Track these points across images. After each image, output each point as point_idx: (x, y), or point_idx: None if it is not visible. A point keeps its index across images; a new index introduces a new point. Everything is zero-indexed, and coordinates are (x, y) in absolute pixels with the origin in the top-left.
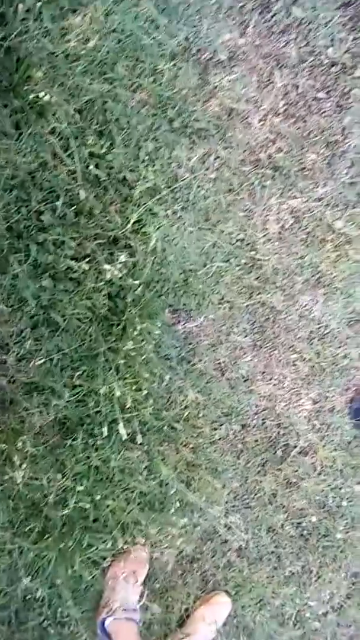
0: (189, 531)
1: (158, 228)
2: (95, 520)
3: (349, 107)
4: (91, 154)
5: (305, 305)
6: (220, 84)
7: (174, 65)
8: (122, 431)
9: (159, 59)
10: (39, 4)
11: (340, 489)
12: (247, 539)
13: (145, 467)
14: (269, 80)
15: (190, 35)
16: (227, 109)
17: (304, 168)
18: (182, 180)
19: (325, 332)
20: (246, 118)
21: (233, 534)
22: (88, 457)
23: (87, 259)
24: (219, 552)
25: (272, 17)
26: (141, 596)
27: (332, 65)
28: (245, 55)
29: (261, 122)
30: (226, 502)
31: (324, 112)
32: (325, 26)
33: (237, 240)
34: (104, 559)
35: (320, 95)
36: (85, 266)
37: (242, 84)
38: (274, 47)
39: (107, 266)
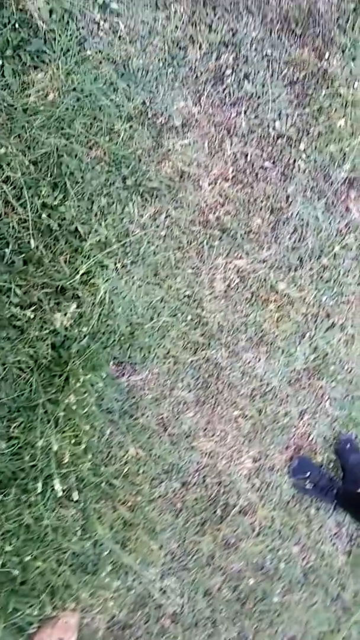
0: (123, 595)
1: (107, 280)
2: (22, 583)
3: (293, 177)
4: (44, 205)
5: (248, 363)
6: (174, 148)
7: (130, 126)
8: (58, 487)
9: (116, 120)
10: (0, 59)
11: (278, 550)
12: (182, 603)
13: (80, 526)
14: (219, 147)
15: (147, 100)
16: (179, 171)
17: (250, 231)
18: (132, 236)
19: (267, 390)
20: (197, 181)
21: (168, 598)
22: (20, 514)
23: (32, 307)
24: (153, 618)
25: (224, 89)
26: None
27: (279, 138)
28: (198, 123)
29: (211, 186)
30: (162, 564)
31: (270, 180)
32: (274, 101)
33: (185, 297)
34: (31, 624)
35: (267, 164)
36: (31, 314)
37: (194, 149)
38: (226, 117)
39: (57, 315)
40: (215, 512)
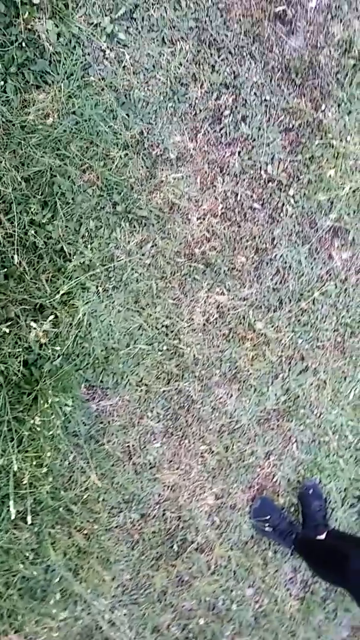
0: (70, 624)
1: (87, 303)
2: None
3: (280, 221)
4: (32, 222)
5: (219, 398)
6: (166, 180)
7: (126, 154)
8: (12, 510)
9: (112, 147)
10: (4, 76)
11: (231, 591)
12: (130, 637)
13: (33, 550)
14: (211, 184)
15: (144, 130)
16: (170, 203)
17: (234, 268)
18: (117, 261)
19: (235, 427)
20: (186, 214)
21: (116, 631)
22: None
23: (9, 323)
24: None
25: (221, 128)
26: None
27: (270, 181)
28: (193, 158)
29: (199, 220)
30: (113, 596)
31: (258, 221)
32: (268, 145)
33: (163, 326)
34: None
35: (256, 205)
36: (6, 329)
37: (186, 183)
38: (220, 155)
39: (33, 332)
40: (172, 547)
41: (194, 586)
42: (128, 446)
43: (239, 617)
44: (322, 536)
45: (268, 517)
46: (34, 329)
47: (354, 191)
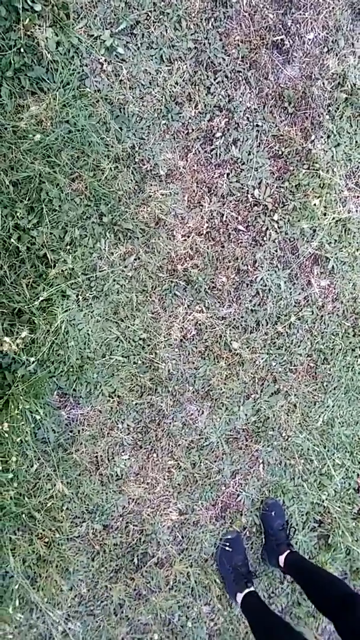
0: (24, 632)
1: (66, 310)
2: None
3: (263, 244)
4: (16, 226)
5: (190, 414)
6: (154, 195)
7: (116, 167)
8: None
9: (103, 158)
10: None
11: (188, 607)
12: None
13: None
14: (198, 203)
15: (136, 145)
16: (156, 218)
17: (214, 287)
18: (99, 271)
19: (204, 444)
20: (171, 230)
21: None
22: None
23: None
24: None
25: (212, 149)
26: None
27: (255, 205)
28: (182, 176)
29: (184, 238)
30: (69, 607)
31: (241, 242)
32: (256, 170)
33: (140, 339)
34: None
35: (240, 227)
36: None
37: (173, 200)
38: (209, 175)
39: (6, 338)
40: (132, 560)
41: (151, 601)
42: (96, 456)
43: (193, 634)
44: (283, 556)
45: (233, 551)
46: (6, 342)
47: (336, 222)
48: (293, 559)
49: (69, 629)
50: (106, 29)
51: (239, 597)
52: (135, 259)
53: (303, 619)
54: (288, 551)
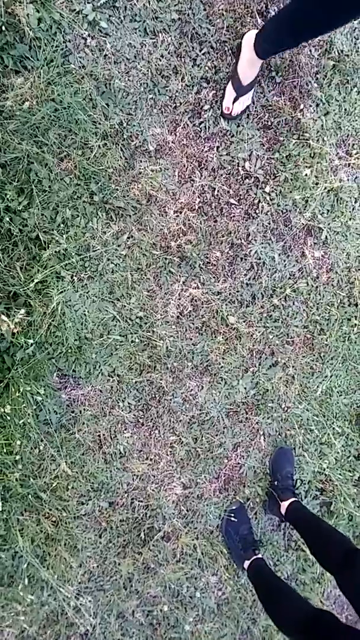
0: (35, 610)
1: (61, 292)
2: None
3: (255, 217)
4: (7, 209)
5: (190, 390)
6: (145, 171)
7: (105, 144)
8: None
9: (91, 136)
10: None
11: (196, 578)
12: (94, 623)
13: (1, 537)
14: (189, 177)
15: (124, 121)
16: (147, 195)
17: (209, 262)
18: (93, 251)
19: (205, 419)
20: (163, 207)
21: (81, 617)
22: None
23: None
24: (63, 636)
25: (200, 123)
26: None
27: (247, 177)
28: (172, 151)
29: (176, 214)
30: (79, 583)
31: (234, 216)
32: (246, 142)
33: (137, 318)
34: None
35: (232, 201)
36: None
37: (164, 176)
38: (199, 149)
39: (6, 320)
40: (139, 535)
41: (159, 573)
42: (99, 435)
43: (202, 604)
44: (287, 502)
45: (238, 521)
46: (4, 322)
47: (328, 191)
48: (296, 507)
49: (81, 604)
50: (88, 2)
51: (246, 564)
52: (128, 237)
53: (309, 584)
54: (293, 499)
